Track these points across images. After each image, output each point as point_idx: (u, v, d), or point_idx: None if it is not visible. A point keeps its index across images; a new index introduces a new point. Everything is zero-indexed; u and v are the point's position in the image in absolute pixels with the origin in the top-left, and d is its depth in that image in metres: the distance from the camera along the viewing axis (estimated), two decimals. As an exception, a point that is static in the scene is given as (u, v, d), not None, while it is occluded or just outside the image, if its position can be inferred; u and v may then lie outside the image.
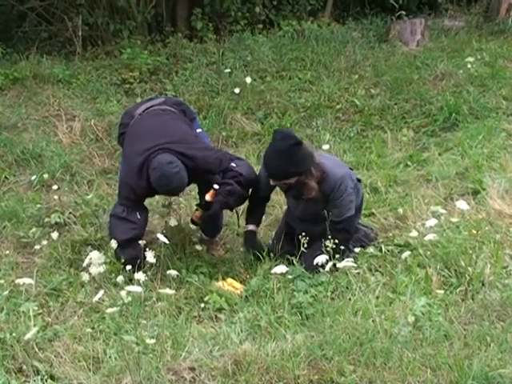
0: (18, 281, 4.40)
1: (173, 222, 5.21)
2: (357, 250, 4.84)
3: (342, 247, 4.50)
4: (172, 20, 9.69)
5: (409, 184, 6.14)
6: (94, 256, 4.43)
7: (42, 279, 4.73)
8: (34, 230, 5.52)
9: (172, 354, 3.68)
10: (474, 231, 4.79)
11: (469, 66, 8.45)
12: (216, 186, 4.83)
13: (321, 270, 4.27)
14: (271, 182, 4.70)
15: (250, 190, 5.00)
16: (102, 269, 4.32)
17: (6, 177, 6.52)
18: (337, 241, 4.18)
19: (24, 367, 3.68)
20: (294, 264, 4.53)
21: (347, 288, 4.31)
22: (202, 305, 4.39)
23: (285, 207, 5.38)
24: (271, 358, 3.57)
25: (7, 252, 5.21)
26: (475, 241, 4.70)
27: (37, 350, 3.80)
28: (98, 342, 3.87)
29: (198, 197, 5.84)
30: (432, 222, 4.90)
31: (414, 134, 7.39)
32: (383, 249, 4.93)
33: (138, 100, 7.85)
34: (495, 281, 4.27)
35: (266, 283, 4.45)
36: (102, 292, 4.22)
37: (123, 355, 3.66)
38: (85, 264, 4.44)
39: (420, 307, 3.89)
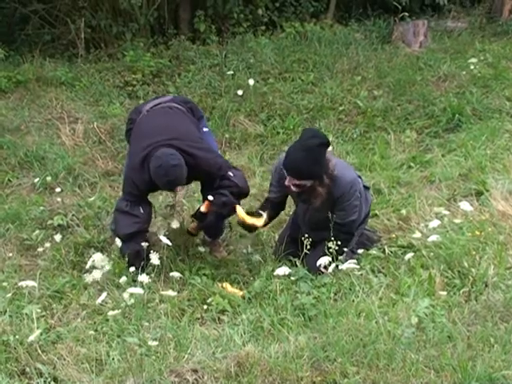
0: (21, 283, 4.43)
1: (175, 224, 5.21)
2: (360, 251, 4.84)
3: (345, 249, 4.53)
4: (175, 22, 9.68)
5: (412, 185, 6.13)
6: (97, 258, 4.47)
7: (45, 282, 4.73)
8: (37, 232, 5.53)
9: (175, 356, 3.68)
10: (478, 232, 4.79)
11: (472, 67, 8.44)
12: (210, 198, 4.87)
13: (324, 271, 4.30)
14: (286, 182, 4.61)
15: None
16: (105, 269, 4.36)
17: (9, 179, 6.54)
18: (339, 242, 4.20)
19: (27, 369, 3.69)
20: (296, 265, 4.52)
21: (350, 289, 4.30)
22: (205, 307, 4.39)
23: (289, 208, 5.37)
24: (274, 359, 3.57)
25: (10, 254, 5.21)
26: (478, 242, 4.70)
27: (40, 352, 3.80)
28: (101, 344, 3.86)
29: (201, 198, 5.87)
30: (435, 223, 4.91)
31: (417, 136, 7.38)
32: (386, 250, 4.92)
33: (141, 102, 7.86)
34: (499, 282, 4.25)
35: (269, 285, 4.45)
36: (104, 294, 4.24)
37: (126, 357, 3.67)
38: (88, 266, 4.48)
39: (423, 308, 3.88)
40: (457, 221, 5.08)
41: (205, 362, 3.59)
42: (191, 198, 6.05)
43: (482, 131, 6.96)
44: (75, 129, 7.37)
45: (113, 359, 3.71)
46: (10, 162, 6.74)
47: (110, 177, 6.69)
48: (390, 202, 5.80)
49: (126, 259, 4.72)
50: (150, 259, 4.26)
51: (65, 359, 3.75)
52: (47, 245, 5.28)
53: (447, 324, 3.82)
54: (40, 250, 5.26)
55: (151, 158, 4.65)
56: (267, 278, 4.54)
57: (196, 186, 6.25)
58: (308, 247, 4.37)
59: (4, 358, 3.73)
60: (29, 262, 5.17)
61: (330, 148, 6.74)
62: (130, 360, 3.61)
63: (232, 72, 8.38)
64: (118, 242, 4.81)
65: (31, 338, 3.81)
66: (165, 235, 4.72)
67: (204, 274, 4.77)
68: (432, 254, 4.68)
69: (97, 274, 4.29)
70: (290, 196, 4.99)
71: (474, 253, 4.55)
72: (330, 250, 4.26)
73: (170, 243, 4.65)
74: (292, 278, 4.42)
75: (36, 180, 6.39)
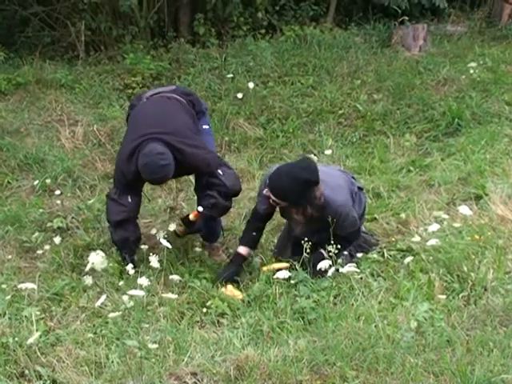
0: (20, 285, 4.44)
1: (172, 227, 5.21)
2: (359, 255, 4.84)
3: (345, 252, 4.55)
4: (174, 25, 9.68)
5: (411, 189, 6.14)
6: (97, 260, 4.49)
7: (45, 284, 4.73)
8: (36, 234, 5.53)
9: (174, 359, 3.69)
10: (477, 236, 4.79)
11: (471, 71, 8.45)
12: (200, 209, 4.88)
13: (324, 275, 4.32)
14: (266, 193, 4.62)
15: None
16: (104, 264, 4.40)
17: (8, 181, 6.54)
18: (339, 246, 4.26)
19: (26, 372, 3.68)
20: (296, 269, 4.52)
21: (350, 293, 4.31)
22: (204, 310, 4.38)
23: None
24: (273, 363, 3.57)
25: (10, 257, 5.21)
26: (478, 246, 4.71)
27: (39, 354, 3.80)
28: (100, 347, 3.86)
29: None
30: (434, 227, 4.92)
31: (417, 140, 7.38)
32: (386, 254, 4.93)
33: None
34: (498, 286, 4.26)
35: (269, 288, 4.44)
36: (104, 297, 4.24)
37: (125, 360, 3.67)
38: (87, 268, 4.49)
39: (422, 312, 3.89)
40: (456, 225, 5.09)
41: (204, 365, 3.60)
42: (191, 201, 6.04)
43: (482, 135, 6.97)
44: (75, 131, 7.37)
45: (112, 362, 3.71)
46: (10, 164, 6.74)
47: (109, 179, 6.66)
48: (390, 206, 5.80)
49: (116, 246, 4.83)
50: (137, 248, 4.28)
51: (64, 362, 3.75)
52: (47, 247, 5.28)
53: (446, 328, 3.83)
54: (39, 252, 5.27)
55: (140, 153, 4.65)
56: (267, 282, 4.54)
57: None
58: (308, 250, 4.38)
59: (3, 361, 3.73)
60: (28, 265, 5.16)
61: (329, 152, 6.82)
62: (129, 363, 3.62)
63: (232, 75, 8.39)
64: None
65: (30, 340, 3.80)
66: (164, 238, 4.72)
67: (203, 278, 4.77)
68: (431, 257, 4.69)
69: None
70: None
71: (473, 257, 4.56)
72: (330, 254, 4.28)
73: (169, 246, 4.65)
74: (291, 282, 4.42)
75: (35, 182, 6.40)
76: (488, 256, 4.59)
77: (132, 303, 4.17)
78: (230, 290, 4.63)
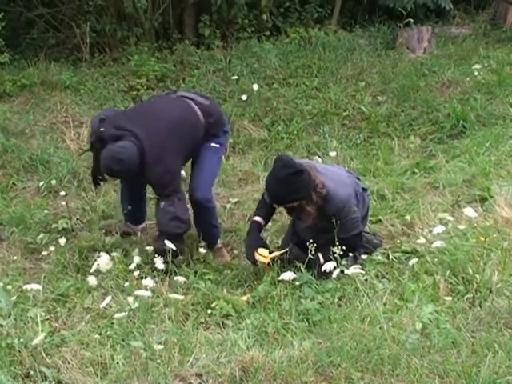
0: (25, 286, 4.45)
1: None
2: (363, 256, 4.84)
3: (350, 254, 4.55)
4: (179, 27, 9.69)
5: (416, 191, 6.13)
6: (102, 261, 4.50)
7: (50, 285, 4.74)
8: (41, 235, 5.54)
9: (179, 360, 3.69)
10: (482, 238, 4.78)
11: (476, 73, 8.45)
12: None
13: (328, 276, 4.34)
14: (274, 205, 4.83)
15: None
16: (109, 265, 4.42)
17: (13, 183, 6.54)
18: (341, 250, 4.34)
19: (31, 373, 3.68)
20: (301, 270, 4.52)
21: (354, 295, 4.31)
22: (209, 311, 4.38)
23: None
24: (278, 364, 3.57)
25: (15, 258, 5.22)
26: (483, 248, 4.69)
27: (44, 355, 3.80)
28: (105, 348, 3.86)
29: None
30: (439, 229, 4.92)
31: (421, 141, 7.39)
32: (390, 256, 4.92)
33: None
34: (503, 288, 4.26)
35: (273, 289, 4.45)
36: (109, 298, 4.25)
37: (131, 361, 3.67)
38: (93, 270, 4.50)
39: (427, 314, 3.88)
40: (461, 227, 5.08)
41: (209, 366, 3.59)
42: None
43: (486, 137, 6.96)
44: (80, 133, 7.38)
45: (117, 363, 3.71)
46: (15, 166, 6.75)
47: (114, 181, 6.69)
48: (394, 208, 5.80)
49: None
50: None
51: (69, 363, 3.75)
52: (52, 248, 5.29)
53: (451, 330, 3.82)
54: (44, 253, 5.27)
55: (113, 144, 4.79)
56: (271, 283, 4.54)
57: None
58: (313, 252, 4.40)
59: (8, 361, 3.72)
60: (33, 266, 5.18)
61: (334, 153, 6.83)
62: (134, 364, 3.62)
63: (236, 77, 8.40)
64: None
65: (35, 341, 3.81)
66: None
67: (208, 279, 4.77)
68: (436, 259, 4.68)
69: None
70: None
71: (478, 259, 4.55)
72: (335, 256, 4.29)
73: (174, 247, 4.66)
74: (296, 283, 4.42)
75: (41, 183, 6.41)
76: (493, 258, 4.57)
77: (137, 304, 4.18)
78: (264, 254, 4.71)
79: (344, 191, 4.68)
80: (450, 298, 4.21)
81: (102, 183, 5.27)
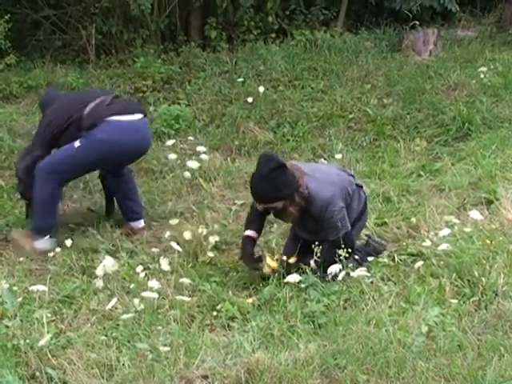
0: (31, 288, 4.45)
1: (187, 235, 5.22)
2: (370, 259, 4.83)
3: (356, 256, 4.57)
4: (185, 29, 9.72)
5: (422, 194, 6.13)
6: (108, 262, 4.51)
7: (56, 286, 4.73)
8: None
9: (185, 362, 3.68)
10: (488, 241, 4.77)
11: (482, 75, 8.44)
12: None
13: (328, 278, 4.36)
14: (258, 207, 4.73)
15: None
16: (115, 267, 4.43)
17: (20, 184, 6.54)
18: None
19: (37, 374, 3.68)
20: (306, 273, 4.52)
21: (360, 297, 4.30)
22: (215, 313, 4.37)
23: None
24: (284, 366, 3.57)
25: (21, 259, 5.22)
26: (489, 251, 4.68)
27: (50, 356, 3.80)
28: (111, 350, 3.86)
29: (210, 206, 5.91)
30: (445, 231, 4.91)
31: (427, 144, 7.38)
32: (396, 258, 4.91)
33: (151, 109, 7.90)
34: (509, 291, 4.25)
35: (279, 292, 4.44)
36: (115, 300, 4.26)
37: (136, 363, 3.68)
38: (98, 271, 4.50)
39: (433, 317, 3.87)
40: (467, 229, 5.07)
41: (215, 368, 3.59)
42: (201, 205, 6.06)
43: (492, 140, 6.96)
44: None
45: (123, 365, 3.70)
46: (21, 167, 6.74)
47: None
48: (400, 211, 5.79)
49: None
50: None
51: (75, 364, 3.75)
52: (57, 250, 5.29)
53: (457, 333, 3.81)
54: (50, 254, 5.27)
55: None
56: (277, 285, 4.54)
57: (205, 193, 6.30)
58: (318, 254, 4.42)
59: (14, 363, 3.72)
60: (39, 267, 5.17)
61: (340, 156, 6.82)
62: (140, 366, 3.62)
63: (242, 79, 8.41)
64: None
65: (41, 342, 3.81)
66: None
67: (214, 281, 4.77)
68: (442, 262, 4.67)
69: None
70: None
71: (484, 262, 4.54)
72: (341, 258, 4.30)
73: (180, 249, 4.66)
74: (302, 286, 4.41)
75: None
76: (499, 261, 4.56)
77: (143, 306, 4.18)
78: (271, 264, 4.69)
79: (327, 191, 4.59)
80: (456, 301, 4.20)
81: None
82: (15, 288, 4.58)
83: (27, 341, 3.86)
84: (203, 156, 6.55)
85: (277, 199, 4.55)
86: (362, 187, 5.03)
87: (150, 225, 5.77)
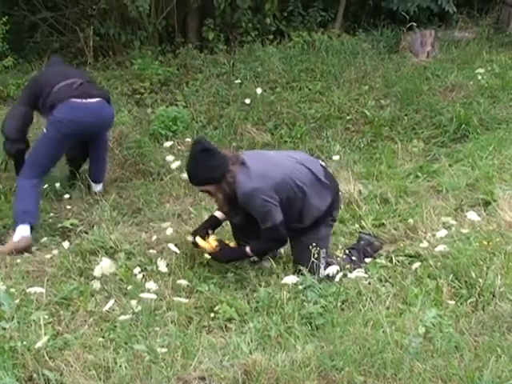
0: (28, 290, 4.45)
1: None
2: (367, 260, 4.84)
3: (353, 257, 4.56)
4: (183, 31, 9.72)
5: (419, 195, 6.13)
6: (105, 264, 4.51)
7: (53, 288, 4.72)
8: (45, 239, 5.54)
9: (182, 364, 3.69)
10: (485, 242, 4.78)
11: (479, 77, 8.44)
12: None
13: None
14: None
15: None
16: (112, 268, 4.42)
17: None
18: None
19: (34, 376, 3.68)
20: (303, 274, 4.52)
21: (357, 299, 4.31)
22: (212, 315, 4.37)
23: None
24: (281, 368, 3.57)
25: (18, 261, 5.22)
26: (486, 252, 4.69)
27: (47, 358, 3.79)
28: (108, 351, 3.85)
29: (207, 207, 5.90)
30: (442, 232, 4.92)
31: (425, 145, 7.39)
32: (393, 259, 4.92)
33: (149, 110, 7.91)
34: (506, 292, 4.26)
35: (276, 293, 4.44)
36: (112, 301, 4.25)
37: (133, 364, 3.67)
38: (95, 273, 4.50)
39: (430, 318, 3.88)
40: (464, 231, 5.08)
41: (212, 369, 3.60)
42: (198, 207, 6.05)
43: (489, 141, 6.97)
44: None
45: (120, 366, 3.70)
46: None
47: (117, 184, 6.71)
48: (397, 212, 5.79)
49: None
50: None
51: (72, 366, 3.74)
52: (55, 251, 5.29)
53: (454, 334, 3.82)
54: (48, 256, 5.27)
55: None
56: (274, 287, 4.53)
57: (203, 194, 6.28)
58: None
59: (11, 364, 3.72)
60: (36, 269, 5.16)
61: (337, 157, 6.81)
62: (137, 367, 3.62)
63: (239, 81, 8.41)
64: None
65: (38, 344, 3.80)
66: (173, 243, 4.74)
67: (212, 282, 4.77)
68: (439, 263, 4.69)
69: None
70: None
71: (481, 263, 4.55)
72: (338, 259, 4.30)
73: (177, 251, 4.66)
74: (299, 287, 4.41)
75: (45, 187, 6.38)
76: (496, 262, 4.57)
77: (140, 307, 4.18)
78: (209, 243, 4.80)
79: (252, 183, 4.52)
80: (453, 302, 4.21)
81: None
82: (12, 290, 4.58)
83: (24, 343, 3.85)
84: (201, 157, 6.54)
85: (204, 182, 4.64)
86: (329, 180, 4.86)
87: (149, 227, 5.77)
